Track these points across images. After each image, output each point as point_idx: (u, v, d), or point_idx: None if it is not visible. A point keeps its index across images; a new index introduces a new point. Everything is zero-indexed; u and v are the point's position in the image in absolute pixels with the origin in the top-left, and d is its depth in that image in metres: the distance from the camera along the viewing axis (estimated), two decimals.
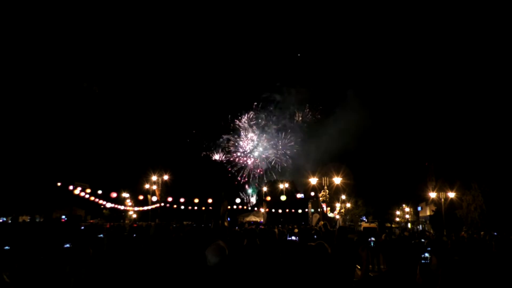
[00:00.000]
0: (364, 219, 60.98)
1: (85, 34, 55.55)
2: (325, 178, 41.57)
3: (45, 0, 51.23)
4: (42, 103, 48.52)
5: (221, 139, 69.09)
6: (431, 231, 42.73)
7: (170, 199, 49.51)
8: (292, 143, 67.77)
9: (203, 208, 49.78)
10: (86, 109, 53.81)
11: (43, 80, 49.53)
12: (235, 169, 69.99)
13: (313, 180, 43.44)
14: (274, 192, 54.29)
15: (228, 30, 65.71)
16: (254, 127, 70.25)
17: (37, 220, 41.76)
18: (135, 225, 32.73)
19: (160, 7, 61.48)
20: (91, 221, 45.17)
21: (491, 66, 49.57)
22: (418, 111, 52.77)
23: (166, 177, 49.57)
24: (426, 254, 6.23)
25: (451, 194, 43.79)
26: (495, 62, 49.42)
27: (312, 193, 49.98)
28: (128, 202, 52.03)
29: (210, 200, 48.69)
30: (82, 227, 23.03)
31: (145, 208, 49.71)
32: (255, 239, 6.71)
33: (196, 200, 49.82)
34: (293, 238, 7.92)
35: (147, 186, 49.48)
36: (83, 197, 41.65)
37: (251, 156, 69.86)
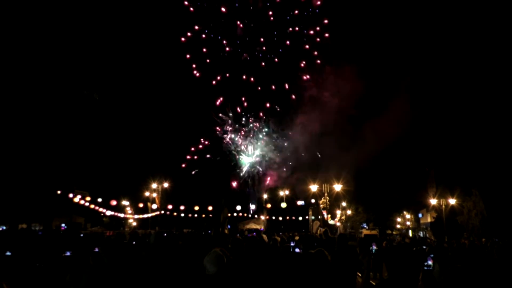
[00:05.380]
0: (365, 226, 60.76)
1: (85, 41, 55.77)
2: (325, 185, 41.51)
3: (46, 8, 51.43)
4: (42, 110, 48.61)
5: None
6: (432, 238, 42.59)
7: (170, 206, 49.38)
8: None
9: (203, 215, 49.66)
10: (86, 117, 53.86)
11: (43, 87, 49.67)
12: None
13: (314, 187, 43.38)
14: (275, 199, 54.16)
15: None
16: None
17: (35, 228, 41.59)
18: (134, 230, 32.58)
19: (162, 14, 61.67)
20: (91, 229, 45.05)
21: (491, 72, 49.71)
22: (418, 117, 52.82)
23: (166, 185, 49.46)
24: (429, 262, 6.21)
25: (452, 201, 43.69)
26: (494, 69, 49.56)
27: (313, 200, 49.90)
28: (128, 210, 51.87)
29: (210, 208, 48.59)
30: (82, 235, 23.00)
31: (145, 216, 49.57)
32: (255, 248, 6.67)
33: (196, 208, 49.70)
34: (297, 250, 7.84)
35: (147, 193, 49.35)
36: (83, 205, 41.60)
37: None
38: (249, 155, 70.50)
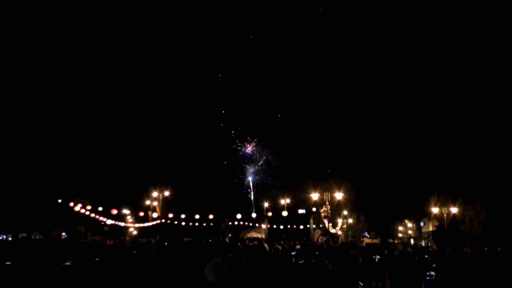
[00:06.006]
0: (366, 234, 60.52)
1: (86, 49, 56.04)
2: (327, 194, 41.43)
3: (48, 15, 51.70)
4: (43, 118, 48.67)
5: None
6: (434, 247, 42.36)
7: (171, 215, 49.24)
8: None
9: (204, 224, 49.49)
10: (87, 125, 53.94)
11: (44, 95, 49.77)
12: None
13: (315, 196, 43.28)
14: (276, 207, 54.05)
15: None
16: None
17: (35, 237, 41.46)
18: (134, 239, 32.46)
19: (166, 22, 62.10)
20: (92, 238, 44.89)
21: (492, 80, 49.64)
22: (419, 125, 52.83)
23: (167, 193, 49.37)
24: (432, 272, 6.16)
25: (454, 209, 43.50)
26: (495, 77, 49.51)
27: (314, 209, 49.75)
28: (129, 218, 51.75)
29: (211, 216, 48.45)
30: (82, 244, 22.91)
31: (146, 224, 49.42)
32: (256, 256, 6.63)
33: (197, 216, 49.55)
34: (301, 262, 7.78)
35: (147, 202, 49.26)
36: (84, 213, 41.51)
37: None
38: (254, 162, 70.45)
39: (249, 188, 70.08)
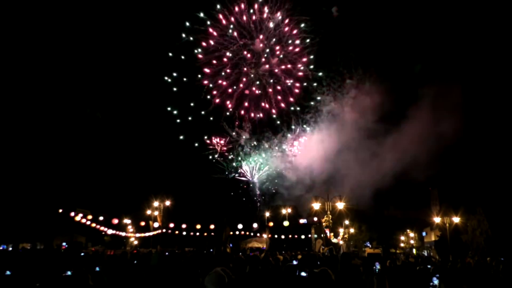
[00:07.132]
0: (368, 244, 60.18)
1: (88, 59, 56.35)
2: (328, 203, 41.19)
3: (51, 25, 52.07)
4: (45, 128, 48.83)
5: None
6: (436, 257, 42.10)
7: (172, 225, 49.10)
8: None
9: (205, 234, 49.33)
10: (88, 135, 54.07)
11: (46, 105, 50.00)
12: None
13: (316, 205, 43.06)
14: (277, 217, 53.79)
15: None
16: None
17: (38, 247, 41.35)
18: (135, 251, 32.35)
19: (168, 33, 62.40)
20: (92, 248, 44.76)
21: (494, 88, 49.56)
22: (421, 135, 52.68)
23: (168, 203, 49.29)
24: (435, 282, 6.10)
25: (456, 219, 43.27)
26: (498, 83, 49.41)
27: (315, 219, 49.51)
28: (130, 228, 51.62)
29: (212, 226, 48.33)
30: (82, 254, 22.84)
31: (147, 234, 49.27)
32: (259, 267, 6.60)
33: (198, 226, 49.42)
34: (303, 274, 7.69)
35: (148, 212, 49.18)
36: (84, 223, 41.43)
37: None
38: (260, 171, 70.04)
39: (255, 197, 69.69)
